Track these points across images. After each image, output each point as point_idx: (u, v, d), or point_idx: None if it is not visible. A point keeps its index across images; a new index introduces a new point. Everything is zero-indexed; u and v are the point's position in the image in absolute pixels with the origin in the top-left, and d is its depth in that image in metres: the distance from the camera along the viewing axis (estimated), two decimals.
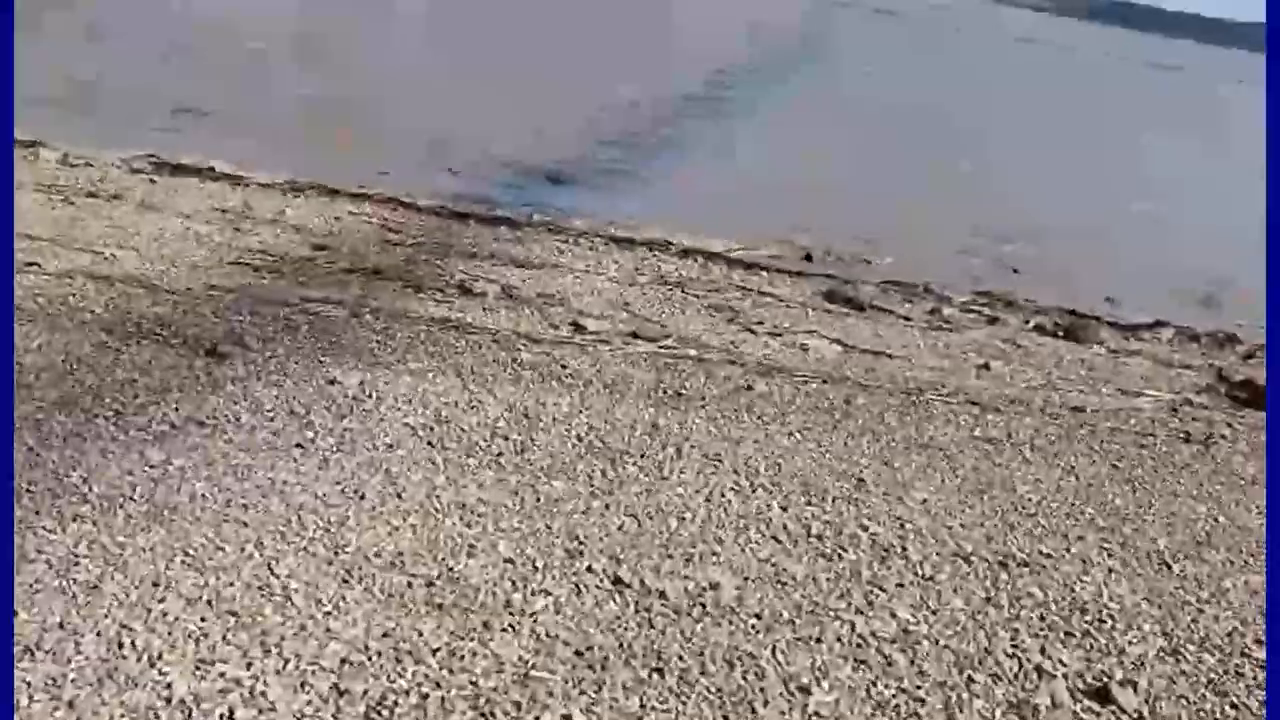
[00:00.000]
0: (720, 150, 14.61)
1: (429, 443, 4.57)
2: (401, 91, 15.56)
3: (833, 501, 4.70)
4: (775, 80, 26.31)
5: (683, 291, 7.90)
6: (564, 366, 5.82)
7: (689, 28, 36.84)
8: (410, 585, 3.47)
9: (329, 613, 3.26)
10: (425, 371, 5.39)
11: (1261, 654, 4.02)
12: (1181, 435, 6.55)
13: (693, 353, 6.43)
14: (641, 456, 4.81)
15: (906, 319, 8.34)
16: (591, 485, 4.44)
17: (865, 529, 4.48)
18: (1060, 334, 8.71)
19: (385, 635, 3.19)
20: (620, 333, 6.58)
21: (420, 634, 3.22)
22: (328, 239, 7.49)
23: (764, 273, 8.94)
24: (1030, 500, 5.12)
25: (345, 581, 3.43)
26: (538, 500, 4.22)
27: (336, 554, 3.59)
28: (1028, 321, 8.95)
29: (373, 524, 3.81)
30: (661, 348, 6.43)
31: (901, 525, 4.58)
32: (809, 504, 4.63)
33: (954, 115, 23.31)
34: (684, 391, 5.77)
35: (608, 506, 4.28)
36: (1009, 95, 30.48)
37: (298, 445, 4.34)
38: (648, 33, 30.32)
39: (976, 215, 13.20)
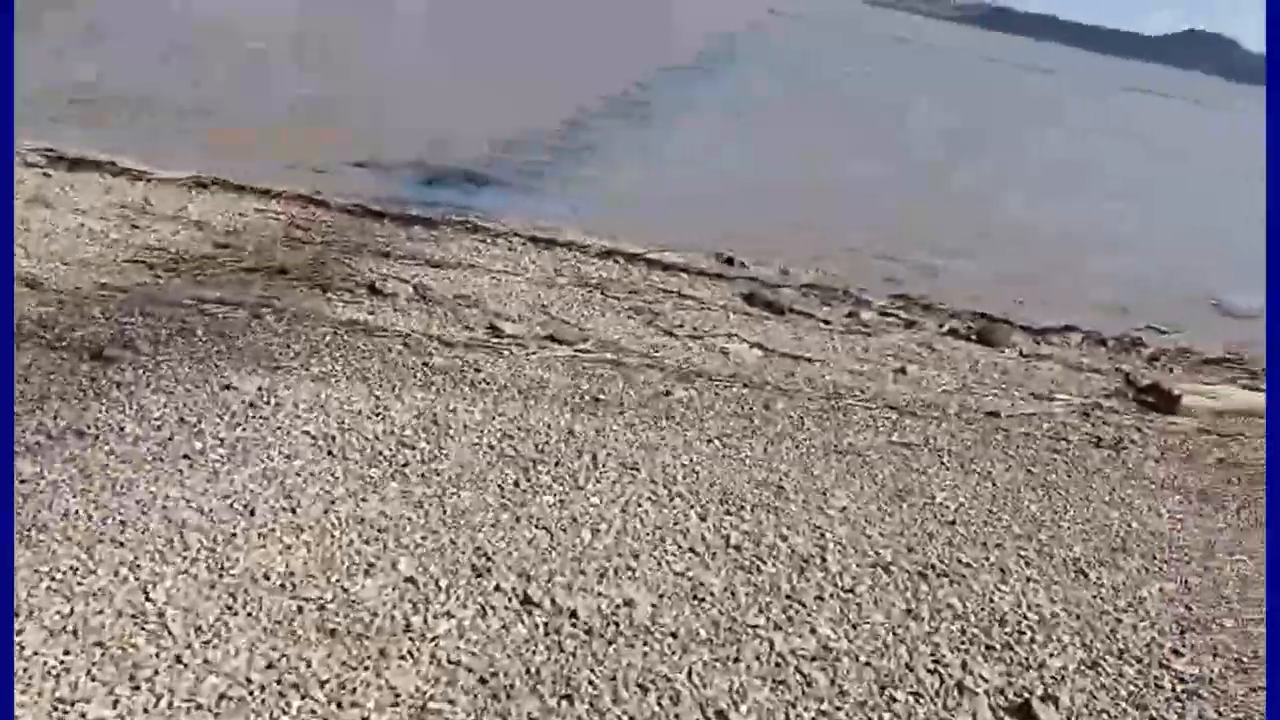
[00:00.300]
0: (641, 154, 14.39)
1: (329, 453, 4.26)
2: (319, 88, 15.04)
3: (752, 510, 4.51)
4: (700, 83, 26.17)
5: (602, 294, 7.67)
6: (478, 371, 5.54)
7: (607, 33, 36.57)
8: (300, 610, 3.18)
9: (208, 642, 2.96)
10: (329, 376, 5.07)
11: (1179, 665, 3.93)
12: (1093, 440, 6.51)
13: (611, 357, 6.20)
14: (556, 465, 4.57)
15: (825, 322, 8.22)
16: (502, 496, 4.19)
17: (784, 539, 4.30)
18: (974, 338, 8.69)
19: (269, 666, 2.90)
20: (537, 336, 6.33)
21: (309, 664, 2.94)
22: (231, 237, 7.10)
23: (684, 275, 8.76)
24: (948, 507, 4.99)
25: (229, 607, 3.13)
26: (444, 513, 3.95)
27: (221, 576, 3.28)
28: (942, 325, 8.91)
29: (263, 542, 3.50)
30: (579, 351, 6.19)
31: (821, 535, 4.40)
32: (728, 513, 4.43)
33: (853, 116, 23.38)
34: (601, 397, 5.54)
35: (519, 519, 4.02)
36: (890, 94, 30.65)
37: (185, 457, 4.01)
38: (574, 37, 30.03)
39: (886, 219, 13.19)
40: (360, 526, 3.75)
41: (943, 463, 5.59)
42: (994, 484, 5.43)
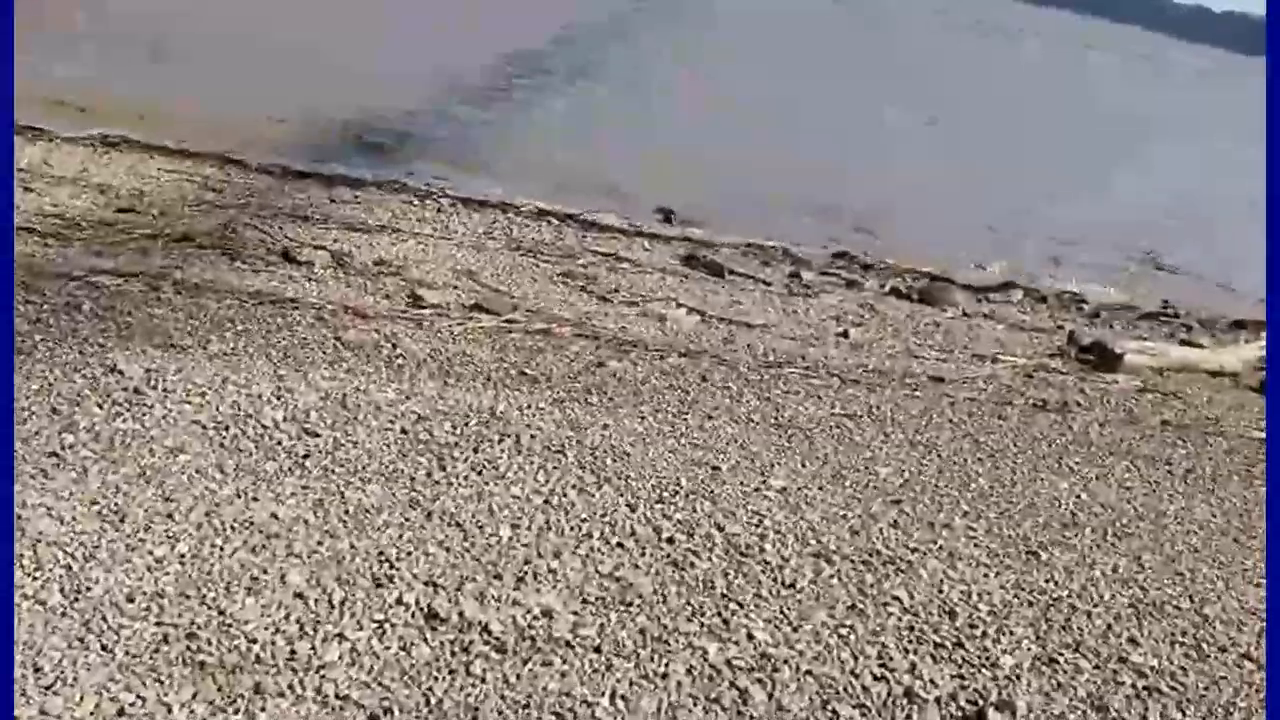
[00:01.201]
0: (580, 114, 13.75)
1: (221, 445, 3.76)
2: (246, 43, 14.10)
3: (686, 497, 4.09)
4: (632, 38, 25.39)
5: (534, 258, 7.17)
6: (394, 346, 5.05)
7: None
8: (166, 639, 2.71)
9: (49, 686, 2.48)
10: (230, 355, 4.55)
11: (1137, 657, 3.60)
12: (1038, 403, 6.18)
13: (541, 326, 5.73)
14: (475, 451, 4.11)
15: (766, 284, 7.81)
16: (413, 490, 3.73)
17: (720, 529, 3.89)
18: (915, 297, 8.34)
19: (120, 714, 2.44)
20: (462, 305, 5.83)
21: (169, 709, 2.48)
22: (136, 200, 6.49)
23: (621, 236, 8.28)
24: (893, 484, 4.61)
25: (80, 640, 2.65)
26: (345, 513, 3.49)
27: (75, 600, 2.79)
28: (884, 285, 8.54)
29: (130, 556, 3.01)
30: (507, 321, 5.71)
31: (760, 521, 4.00)
32: (659, 500, 4.01)
33: (798, 77, 22.81)
34: (529, 371, 5.08)
35: (430, 516, 3.57)
36: (847, 56, 30.03)
37: (52, 455, 3.49)
38: None
39: (828, 176, 12.76)
40: (247, 532, 3.27)
41: (886, 435, 5.22)
42: (940, 456, 5.07)
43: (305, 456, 3.79)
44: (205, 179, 7.34)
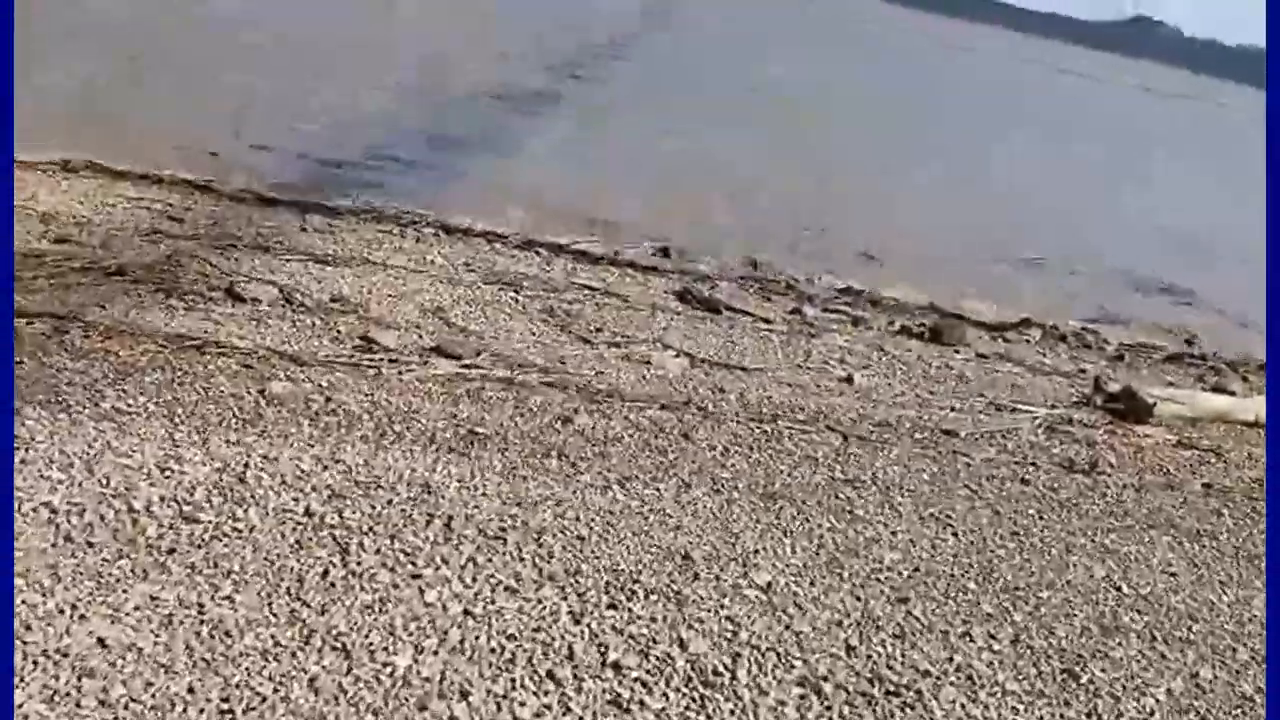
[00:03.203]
0: (578, 140, 12.81)
1: (67, 538, 2.88)
2: (216, 61, 12.96)
3: (646, 598, 3.18)
4: (637, 61, 24.30)
5: (515, 292, 6.28)
6: (328, 399, 4.17)
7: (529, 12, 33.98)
8: None
9: None
10: (122, 415, 3.68)
11: None
12: (1065, 464, 5.23)
13: (504, 374, 4.83)
14: (391, 540, 3.21)
15: (766, 321, 6.88)
16: (297, 599, 2.83)
17: (683, 646, 2.97)
18: (926, 336, 7.38)
19: None
20: (420, 348, 4.95)
21: None
22: (78, 230, 5.65)
23: (613, 269, 7.38)
24: (900, 574, 3.68)
25: None
26: (198, 635, 2.59)
27: None
28: (892, 322, 7.59)
29: None
30: (467, 366, 4.82)
31: (734, 634, 3.08)
32: (612, 605, 3.10)
33: (788, 95, 21.64)
34: (481, 429, 4.18)
35: (309, 638, 2.67)
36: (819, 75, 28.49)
37: None
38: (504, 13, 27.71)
39: (836, 205, 11.83)
40: (58, 668, 2.38)
41: (893, 506, 4.29)
42: (956, 535, 4.13)
43: (170, 552, 2.90)
44: (168, 207, 6.51)
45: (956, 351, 7.10)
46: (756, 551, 3.62)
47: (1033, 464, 5.12)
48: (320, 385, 4.26)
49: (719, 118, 16.87)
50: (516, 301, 6.12)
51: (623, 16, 34.29)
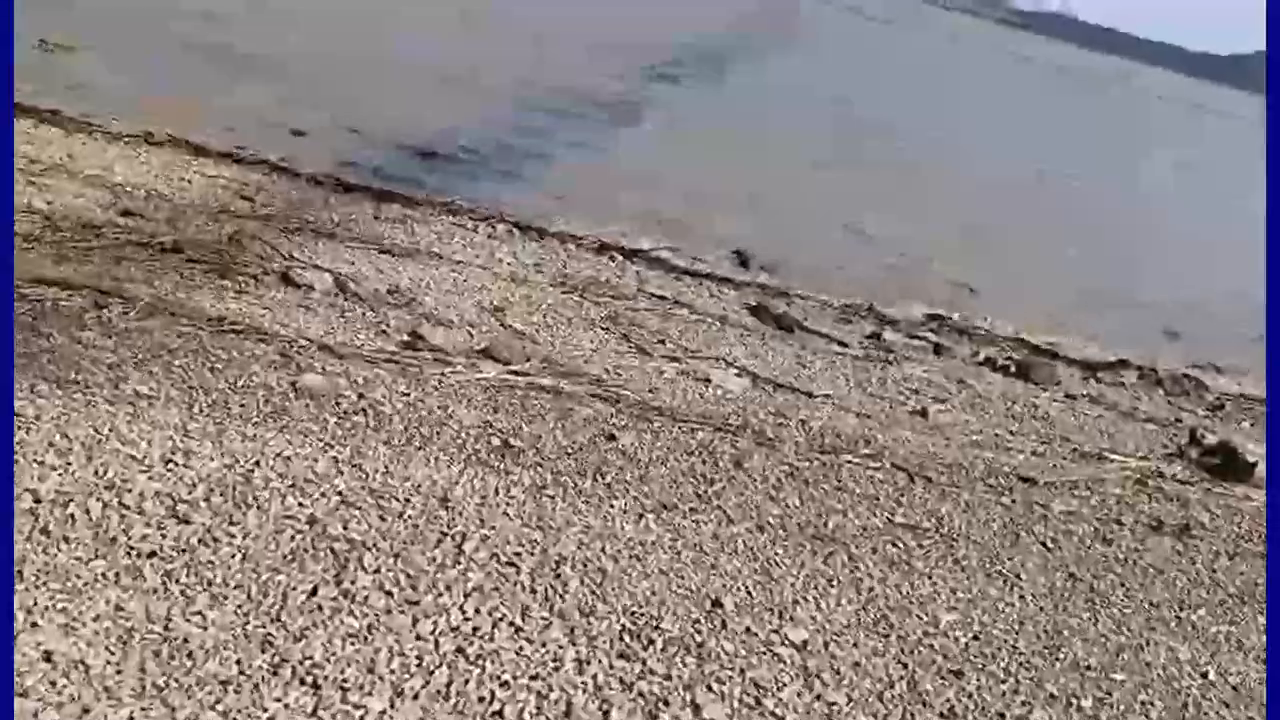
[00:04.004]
0: (671, 145, 12.37)
1: (43, 530, 2.64)
2: (331, 54, 12.87)
3: (664, 649, 2.80)
4: (739, 69, 23.62)
5: (580, 296, 5.96)
6: (360, 396, 3.89)
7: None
8: None
9: None
10: (140, 399, 3.45)
11: None
12: (1152, 523, 4.66)
13: (552, 382, 4.50)
14: (395, 558, 2.90)
15: (841, 344, 6.41)
16: (277, 619, 2.52)
17: (698, 711, 2.58)
18: (1013, 370, 6.81)
19: None
20: (468, 349, 4.65)
21: None
22: (145, 204, 5.52)
23: (687, 278, 7.01)
24: (955, 642, 3.22)
25: None
26: (157, 656, 2.31)
27: None
28: (977, 353, 7.03)
29: None
30: (514, 372, 4.50)
31: (756, 700, 2.68)
32: (623, 655, 2.73)
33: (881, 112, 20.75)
34: (515, 441, 3.85)
35: (278, 667, 2.36)
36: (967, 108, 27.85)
37: None
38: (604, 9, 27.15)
39: (933, 228, 11.21)
40: None
41: (955, 559, 3.81)
42: (1022, 598, 3.64)
43: (150, 556, 2.63)
44: (244, 186, 6.37)
45: (1044, 390, 6.52)
46: (796, 602, 3.21)
47: (1117, 521, 4.57)
48: (356, 381, 3.99)
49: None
50: (580, 306, 5.79)
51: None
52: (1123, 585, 3.96)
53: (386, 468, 3.38)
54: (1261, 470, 5.62)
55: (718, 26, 28.72)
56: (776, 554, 3.50)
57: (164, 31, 11.06)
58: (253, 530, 2.85)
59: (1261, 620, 3.97)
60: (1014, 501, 4.51)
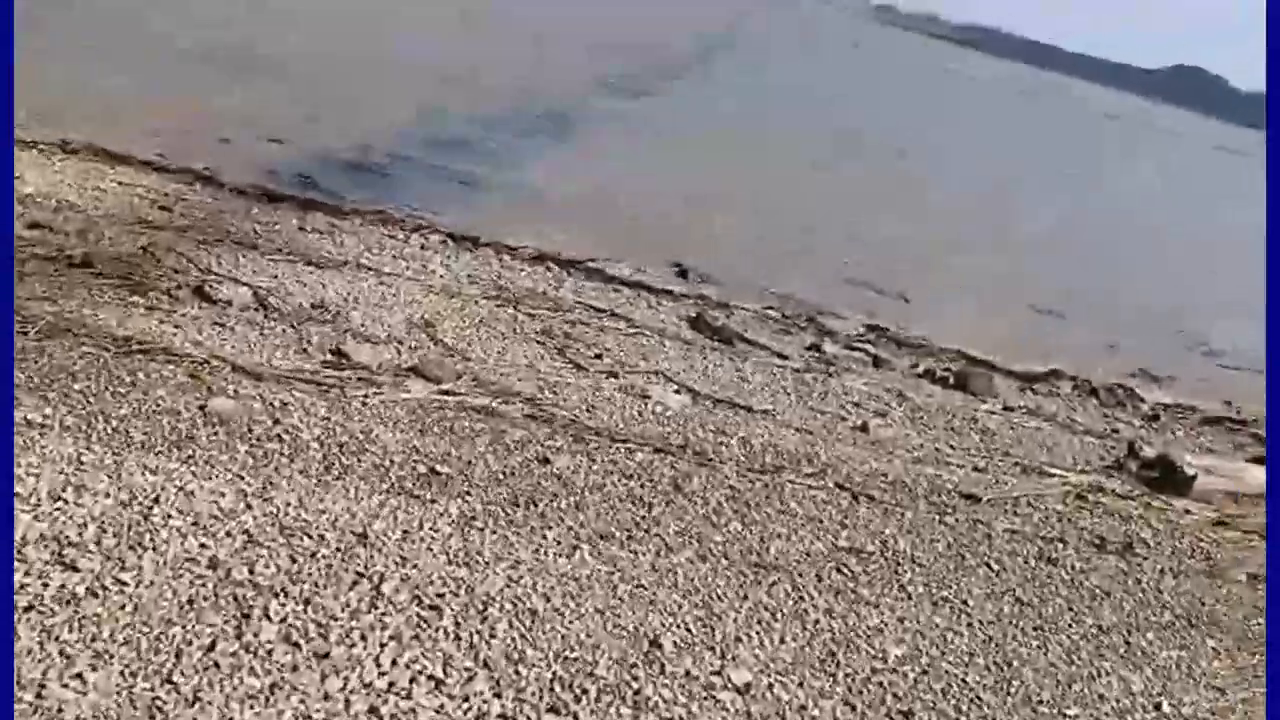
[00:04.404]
0: (608, 155, 12.09)
1: None
2: (254, 60, 12.19)
3: (597, 700, 2.57)
4: (683, 78, 23.38)
5: (514, 309, 5.71)
6: (275, 422, 3.60)
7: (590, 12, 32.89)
8: None
9: None
10: (31, 429, 3.13)
11: None
12: (1095, 541, 4.56)
13: (484, 402, 4.25)
14: (305, 604, 2.63)
15: (781, 357, 6.25)
16: (168, 680, 2.25)
17: None
18: (951, 382, 6.71)
19: None
20: (395, 367, 4.38)
21: None
22: (54, 216, 5.14)
23: (625, 289, 6.79)
24: (905, 678, 3.05)
25: None
26: None
27: None
28: (916, 365, 6.93)
29: None
30: (443, 392, 4.24)
31: None
32: (554, 709, 2.49)
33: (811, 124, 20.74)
34: (442, 468, 3.59)
35: None
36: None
37: None
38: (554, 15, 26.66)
39: (871, 240, 11.14)
40: None
41: (903, 585, 3.65)
42: (971, 625, 3.49)
43: (27, 610, 2.33)
44: (164, 196, 6.00)
45: (982, 402, 6.43)
46: (739, 639, 3.01)
47: (1061, 540, 4.46)
48: (271, 404, 3.69)
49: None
50: (515, 319, 5.55)
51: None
52: (1070, 609, 3.83)
53: (300, 501, 3.10)
54: (1201, 484, 5.58)
55: (679, 57, 28.50)
56: (718, 586, 3.30)
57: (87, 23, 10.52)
58: (147, 577, 2.56)
59: (1210, 644, 3.87)
60: (958, 520, 4.37)
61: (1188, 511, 5.28)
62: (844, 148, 18.09)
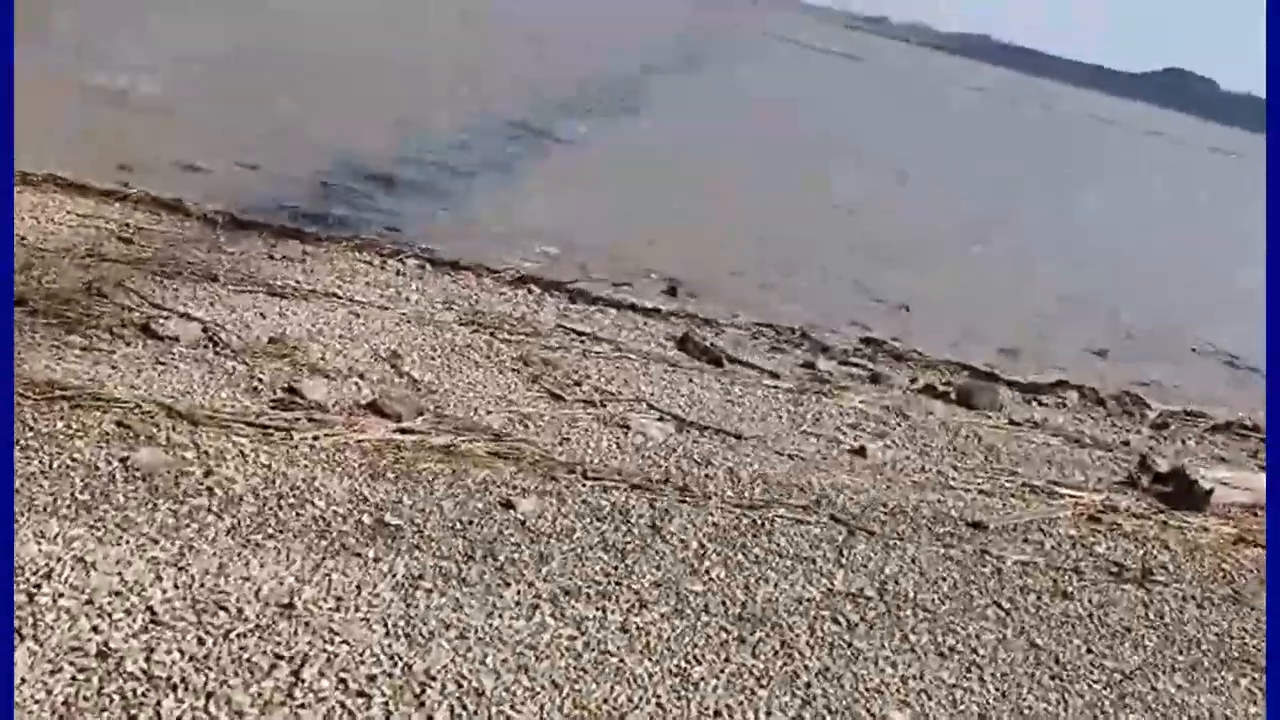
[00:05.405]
0: (593, 173, 11.60)
1: None
2: (223, 85, 11.31)
3: None
4: (663, 92, 22.79)
5: (490, 336, 5.28)
6: (208, 473, 3.17)
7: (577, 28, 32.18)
8: None
9: None
10: None
11: None
12: (1111, 569, 4.10)
13: (445, 440, 3.82)
14: (205, 700, 2.20)
15: (773, 376, 5.81)
16: None
17: None
18: (953, 397, 6.25)
19: None
20: (352, 405, 3.95)
21: None
22: None
23: (609, 311, 6.37)
24: None
25: None
26: None
27: None
28: (915, 380, 6.48)
29: None
30: (401, 430, 3.81)
31: None
32: None
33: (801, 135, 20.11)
34: (391, 519, 3.16)
35: None
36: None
37: None
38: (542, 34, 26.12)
39: (865, 252, 10.70)
40: None
41: (905, 634, 3.20)
42: (983, 680, 3.04)
43: None
44: (124, 226, 5.61)
45: (987, 416, 5.98)
46: (718, 714, 2.56)
47: (1075, 570, 4.01)
48: (205, 453, 3.27)
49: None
50: (490, 347, 5.12)
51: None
52: (1089, 652, 3.38)
53: (221, 567, 2.68)
54: (1218, 497, 5.13)
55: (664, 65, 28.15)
56: (696, 646, 2.86)
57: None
58: (20, 672, 2.13)
59: (1244, 684, 3.42)
60: (964, 553, 3.92)
61: (1205, 529, 4.83)
62: (839, 156, 17.66)
